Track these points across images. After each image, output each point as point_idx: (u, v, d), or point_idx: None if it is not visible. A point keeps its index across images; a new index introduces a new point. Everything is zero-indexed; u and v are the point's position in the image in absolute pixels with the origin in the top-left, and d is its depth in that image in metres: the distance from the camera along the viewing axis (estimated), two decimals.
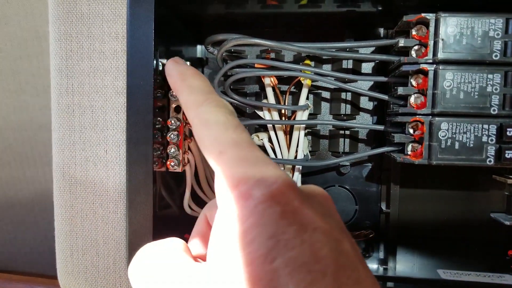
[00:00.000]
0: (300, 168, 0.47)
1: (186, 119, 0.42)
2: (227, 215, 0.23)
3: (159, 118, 0.40)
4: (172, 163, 0.41)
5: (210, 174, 0.47)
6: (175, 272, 0.26)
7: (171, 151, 0.41)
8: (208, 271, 0.24)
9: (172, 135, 0.41)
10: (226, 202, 0.24)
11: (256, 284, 0.21)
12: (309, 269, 0.20)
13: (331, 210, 0.27)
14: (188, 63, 0.41)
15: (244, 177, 0.24)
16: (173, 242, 0.30)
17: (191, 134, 0.44)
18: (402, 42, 0.38)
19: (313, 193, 0.28)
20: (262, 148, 0.48)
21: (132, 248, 0.40)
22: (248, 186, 0.23)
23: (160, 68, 0.40)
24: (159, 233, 0.42)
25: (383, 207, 0.50)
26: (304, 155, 0.47)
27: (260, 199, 0.22)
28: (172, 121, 0.41)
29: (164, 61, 0.40)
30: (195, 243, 0.33)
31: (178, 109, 0.41)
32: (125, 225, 0.42)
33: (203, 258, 0.31)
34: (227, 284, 0.22)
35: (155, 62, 0.39)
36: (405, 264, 0.44)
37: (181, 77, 0.33)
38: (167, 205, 0.45)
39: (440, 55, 0.36)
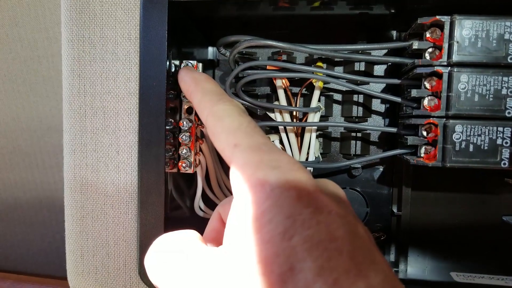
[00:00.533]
0: (311, 170, 0.47)
1: (198, 121, 0.42)
2: (244, 200, 0.24)
3: (171, 119, 0.40)
4: (184, 164, 0.41)
5: (221, 176, 0.47)
6: (191, 258, 0.27)
7: (183, 152, 0.41)
8: (225, 254, 0.24)
9: (184, 136, 0.41)
10: (242, 189, 0.24)
11: (274, 260, 0.21)
12: (326, 246, 0.21)
13: (344, 199, 0.29)
14: (200, 65, 0.41)
15: (260, 164, 0.24)
16: (188, 233, 0.30)
17: (202, 135, 0.44)
18: (416, 44, 0.38)
19: (326, 183, 0.30)
20: None
21: (143, 249, 0.40)
22: (264, 172, 0.24)
23: (173, 69, 0.40)
24: None
25: (395, 209, 0.50)
26: (316, 157, 0.47)
27: (276, 184, 0.23)
28: (184, 122, 0.41)
29: (177, 62, 0.40)
30: (208, 239, 0.34)
31: (190, 110, 0.41)
32: (136, 226, 0.42)
33: None
34: (246, 264, 0.22)
35: (168, 63, 0.39)
36: (416, 267, 0.44)
37: (195, 82, 0.35)
38: (178, 206, 0.45)
39: (455, 58, 0.36)
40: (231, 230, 0.24)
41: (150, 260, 0.29)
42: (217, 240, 0.33)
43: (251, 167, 0.25)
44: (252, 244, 0.22)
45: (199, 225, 0.48)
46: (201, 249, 0.27)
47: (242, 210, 0.24)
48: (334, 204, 0.24)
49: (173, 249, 0.28)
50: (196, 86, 0.34)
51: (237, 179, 0.25)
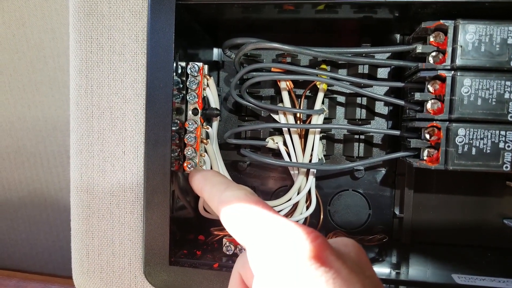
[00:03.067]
0: (315, 172, 0.47)
1: (203, 122, 0.42)
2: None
3: (177, 120, 0.40)
4: (189, 165, 0.42)
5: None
6: None
7: (188, 152, 0.42)
8: None
9: (189, 137, 0.41)
10: (262, 273, 0.25)
11: None
12: None
13: (365, 264, 0.27)
14: (206, 66, 0.41)
15: (272, 260, 0.25)
16: None
17: (207, 136, 0.44)
18: (419, 48, 0.38)
19: (347, 247, 0.28)
20: (277, 151, 0.49)
21: (148, 248, 0.41)
22: (285, 254, 0.25)
23: (180, 71, 0.41)
24: (174, 234, 0.42)
25: (397, 212, 0.50)
26: (319, 159, 0.47)
27: (293, 267, 0.24)
28: (190, 123, 0.41)
29: (183, 64, 0.41)
30: None
31: (195, 111, 0.42)
32: (142, 225, 0.42)
33: None
34: None
35: (174, 65, 0.39)
36: (418, 269, 0.44)
37: (203, 177, 0.37)
38: (183, 206, 0.45)
39: (458, 62, 0.37)
40: None
41: None
42: None
43: (267, 250, 0.26)
44: None
45: (203, 225, 0.48)
46: None
47: None
48: (352, 276, 0.24)
49: None
50: (205, 180, 0.36)
51: (254, 270, 0.26)
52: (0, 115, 0.82)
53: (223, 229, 0.45)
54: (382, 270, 0.43)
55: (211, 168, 0.45)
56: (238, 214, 0.29)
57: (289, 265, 0.24)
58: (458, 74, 0.37)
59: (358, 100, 0.49)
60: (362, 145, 0.50)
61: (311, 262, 0.23)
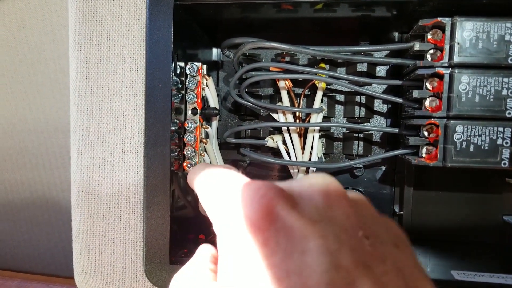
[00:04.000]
0: (314, 170, 0.47)
1: (203, 121, 0.42)
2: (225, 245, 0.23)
3: (176, 120, 0.41)
4: (189, 165, 0.42)
5: None
6: None
7: (188, 152, 0.42)
8: None
9: (188, 137, 0.41)
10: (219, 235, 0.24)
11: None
12: None
13: (325, 206, 0.22)
14: (205, 66, 0.41)
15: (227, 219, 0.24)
16: (199, 263, 0.30)
17: (207, 136, 0.44)
18: (417, 46, 0.39)
19: (308, 190, 0.24)
20: (277, 150, 0.49)
21: (149, 247, 0.41)
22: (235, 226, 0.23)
23: (178, 71, 0.41)
24: (175, 233, 0.42)
25: (396, 209, 0.51)
26: (318, 158, 0.47)
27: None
28: (189, 123, 0.41)
29: (182, 64, 0.41)
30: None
31: (195, 111, 0.42)
32: (142, 225, 0.42)
33: None
34: None
35: (173, 65, 0.39)
36: None
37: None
38: (183, 206, 0.45)
39: (456, 59, 0.37)
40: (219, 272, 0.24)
41: None
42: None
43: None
44: None
45: (204, 224, 0.48)
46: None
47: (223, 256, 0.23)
48: (310, 229, 0.20)
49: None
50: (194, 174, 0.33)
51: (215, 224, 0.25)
52: (2, 117, 0.82)
53: None
54: None
55: None
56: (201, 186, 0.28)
57: (240, 235, 0.22)
58: (456, 71, 0.37)
59: (357, 98, 0.49)
60: (361, 143, 0.50)
61: (254, 227, 0.21)
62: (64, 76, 0.43)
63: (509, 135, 0.37)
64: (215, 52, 0.53)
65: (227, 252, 0.23)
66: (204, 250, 0.31)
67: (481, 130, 0.37)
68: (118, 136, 0.42)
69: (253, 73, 0.45)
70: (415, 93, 0.39)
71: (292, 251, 0.20)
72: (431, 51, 0.38)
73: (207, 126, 0.44)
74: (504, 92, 0.36)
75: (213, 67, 0.53)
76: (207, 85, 0.44)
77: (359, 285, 0.19)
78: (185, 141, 0.42)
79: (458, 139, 0.37)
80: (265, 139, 0.48)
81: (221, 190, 0.26)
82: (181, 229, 0.45)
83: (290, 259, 0.19)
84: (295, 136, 0.47)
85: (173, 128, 0.40)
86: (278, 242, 0.20)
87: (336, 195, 0.23)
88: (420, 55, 0.39)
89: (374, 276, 0.19)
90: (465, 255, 0.46)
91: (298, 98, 0.49)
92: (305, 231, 0.20)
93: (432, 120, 0.38)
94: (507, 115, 0.37)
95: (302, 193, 0.23)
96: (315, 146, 0.47)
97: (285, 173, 0.53)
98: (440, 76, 0.38)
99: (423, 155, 0.39)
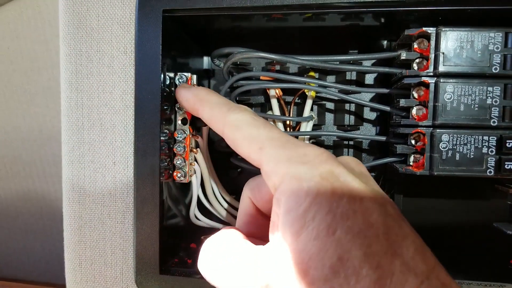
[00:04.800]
0: None
1: (193, 131, 0.43)
2: (285, 200, 0.26)
3: (166, 130, 0.41)
4: (179, 174, 0.42)
5: (216, 185, 0.48)
6: (239, 258, 0.29)
7: (178, 162, 0.42)
8: (274, 253, 0.26)
9: (178, 147, 0.42)
10: (281, 189, 0.26)
11: (324, 255, 0.24)
12: (365, 234, 0.24)
13: (367, 175, 0.31)
14: (195, 76, 0.42)
15: (290, 162, 0.26)
16: (231, 232, 0.33)
17: (197, 145, 0.45)
18: (404, 55, 0.39)
19: (349, 163, 0.31)
20: None
21: (139, 257, 0.41)
22: (297, 169, 0.26)
23: (168, 82, 0.41)
24: (166, 243, 0.42)
25: None
26: None
27: (310, 179, 0.25)
28: (179, 133, 0.42)
29: (172, 74, 0.41)
30: (245, 222, 0.36)
31: (184, 121, 0.42)
32: (133, 235, 0.43)
33: (255, 234, 0.35)
34: (298, 260, 0.24)
35: (162, 76, 0.40)
36: None
37: (198, 98, 0.36)
38: (174, 215, 0.46)
39: (441, 68, 0.37)
40: (277, 229, 0.26)
41: (204, 265, 0.31)
42: (254, 224, 0.35)
43: (283, 166, 0.27)
44: (301, 243, 0.24)
45: (195, 233, 0.49)
46: (248, 248, 0.30)
47: (285, 209, 0.25)
48: (362, 187, 0.26)
49: (223, 252, 0.31)
50: (200, 102, 0.36)
51: (272, 180, 0.27)
52: None
53: None
54: None
55: (201, 177, 0.46)
56: (248, 139, 0.30)
57: (302, 184, 0.25)
58: (441, 80, 0.37)
59: (347, 106, 0.50)
60: (351, 150, 0.50)
61: (321, 179, 0.25)
62: (58, 85, 0.43)
63: (494, 144, 0.37)
64: (206, 60, 0.54)
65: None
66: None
67: (467, 138, 0.37)
68: (109, 147, 0.43)
69: (243, 82, 0.46)
70: (402, 102, 0.39)
71: (355, 198, 0.25)
72: (417, 60, 0.39)
73: (197, 135, 0.44)
74: (489, 101, 0.37)
75: (204, 75, 0.54)
76: None
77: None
78: (175, 151, 0.42)
79: (444, 147, 0.38)
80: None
81: None
82: (172, 238, 0.45)
83: (354, 203, 0.25)
84: None
85: (162, 138, 0.40)
86: (343, 190, 0.25)
87: (364, 167, 0.33)
88: (407, 63, 0.40)
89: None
90: (454, 263, 0.46)
91: (288, 106, 0.49)
92: (360, 188, 0.26)
93: (419, 129, 0.38)
94: (491, 123, 0.37)
95: None
96: None
97: None
98: (426, 85, 0.38)
99: (411, 163, 0.39)
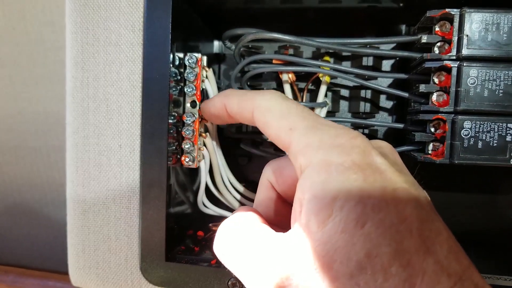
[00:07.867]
0: None
1: (202, 115, 0.41)
2: (311, 185, 0.24)
3: (174, 113, 0.39)
4: (187, 159, 0.41)
5: (225, 172, 0.46)
6: (258, 244, 0.27)
7: (186, 146, 0.40)
8: (296, 243, 0.24)
9: (187, 130, 0.40)
10: (308, 172, 0.25)
11: (351, 248, 0.22)
12: (397, 229, 0.22)
13: (401, 164, 0.30)
14: (205, 58, 0.40)
15: (321, 144, 0.25)
16: (250, 215, 0.30)
17: (206, 129, 0.43)
18: (425, 38, 0.37)
19: (382, 148, 0.30)
20: None
21: (145, 244, 0.40)
22: (327, 152, 0.24)
23: (177, 62, 0.40)
24: (172, 230, 0.41)
25: None
26: None
27: (341, 163, 0.24)
28: (188, 116, 0.40)
29: (181, 55, 0.40)
30: (264, 207, 0.34)
31: (194, 104, 0.41)
32: (138, 221, 0.41)
33: (273, 221, 0.33)
34: (323, 253, 0.22)
35: (171, 56, 0.38)
36: None
37: (224, 94, 0.35)
38: (181, 201, 0.44)
39: (464, 52, 0.35)
40: (301, 217, 0.24)
41: (219, 247, 0.30)
42: (272, 208, 0.34)
43: (312, 148, 0.25)
44: (327, 234, 0.22)
45: (202, 220, 0.47)
46: (266, 233, 0.28)
47: (310, 196, 0.24)
48: (396, 176, 0.24)
49: (240, 235, 0.29)
50: (227, 97, 0.35)
51: (299, 162, 0.25)
52: (1, 109, 0.81)
53: None
54: None
55: (210, 163, 0.44)
56: (278, 119, 0.28)
57: (331, 168, 0.24)
58: (464, 64, 0.35)
59: (362, 93, 0.48)
60: None
61: (353, 165, 0.24)
62: (64, 68, 0.42)
63: None
64: (216, 44, 0.52)
65: None
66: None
67: (490, 126, 0.36)
68: (114, 129, 0.41)
69: (255, 65, 0.44)
70: (422, 87, 0.37)
71: (388, 188, 0.23)
72: (439, 44, 0.37)
73: (206, 119, 0.43)
74: None
75: (215, 60, 0.52)
76: (207, 77, 0.42)
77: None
78: (184, 135, 0.40)
79: (466, 135, 0.36)
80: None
81: None
82: (179, 225, 0.44)
83: (387, 193, 0.23)
84: None
85: (171, 121, 0.39)
86: (376, 178, 0.24)
87: (398, 155, 0.32)
88: (428, 48, 0.38)
89: None
90: (471, 256, 0.45)
91: (301, 92, 0.48)
92: (394, 178, 0.25)
93: (439, 115, 0.37)
94: None
95: None
96: None
97: None
98: (448, 70, 0.36)
99: (430, 152, 0.38)
